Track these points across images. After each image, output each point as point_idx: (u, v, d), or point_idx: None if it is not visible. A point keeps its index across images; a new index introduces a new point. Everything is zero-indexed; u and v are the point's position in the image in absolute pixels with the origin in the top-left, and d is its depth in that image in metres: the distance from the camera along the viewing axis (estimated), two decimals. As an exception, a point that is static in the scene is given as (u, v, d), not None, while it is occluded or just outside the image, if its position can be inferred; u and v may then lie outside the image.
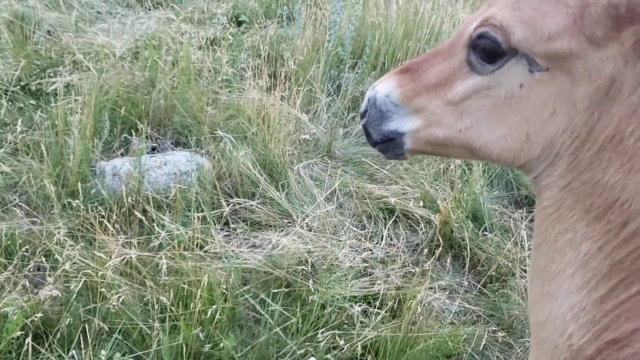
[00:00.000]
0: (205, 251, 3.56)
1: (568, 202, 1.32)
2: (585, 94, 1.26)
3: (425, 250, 3.95)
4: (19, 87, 5.00)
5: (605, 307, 1.25)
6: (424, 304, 3.43)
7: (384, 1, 6.97)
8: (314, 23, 6.54)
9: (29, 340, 2.70)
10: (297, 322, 3.18)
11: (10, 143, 4.26)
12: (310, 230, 3.95)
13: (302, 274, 3.54)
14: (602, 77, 1.24)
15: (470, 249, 4.00)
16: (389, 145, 1.63)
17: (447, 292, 3.74)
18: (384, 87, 1.60)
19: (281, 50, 6.07)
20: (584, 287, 1.29)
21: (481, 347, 3.22)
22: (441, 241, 3.91)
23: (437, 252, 3.73)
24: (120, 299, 2.93)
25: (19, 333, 2.74)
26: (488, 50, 1.35)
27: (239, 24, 7.29)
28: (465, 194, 4.36)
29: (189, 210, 3.87)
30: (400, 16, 6.55)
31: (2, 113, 4.46)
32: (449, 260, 3.85)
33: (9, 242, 3.29)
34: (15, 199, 3.75)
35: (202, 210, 3.89)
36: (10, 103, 4.72)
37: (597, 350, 1.26)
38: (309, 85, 5.52)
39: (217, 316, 3.05)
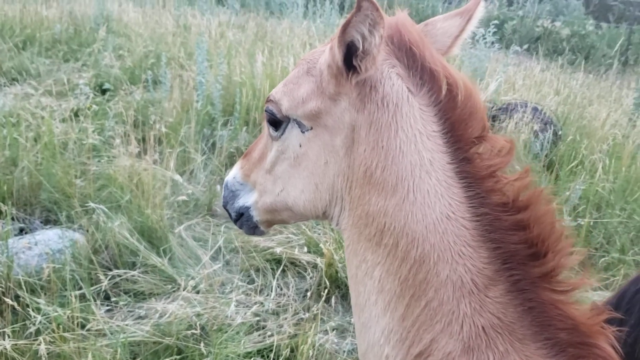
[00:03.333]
0: (88, 330, 3.41)
1: (355, 237, 1.53)
2: (341, 142, 1.54)
3: (314, 295, 4.04)
4: None
5: (407, 324, 1.42)
6: (317, 347, 3.49)
7: (248, 59, 7.20)
8: (181, 85, 6.60)
9: None
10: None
11: None
12: (198, 293, 3.90)
13: (193, 338, 3.48)
14: (346, 125, 1.52)
15: (356, 287, 4.12)
16: (243, 219, 1.90)
17: (339, 332, 3.83)
18: (233, 171, 1.94)
19: (149, 114, 6.04)
20: (387, 309, 1.45)
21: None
22: (327, 283, 4.02)
23: (324, 294, 3.83)
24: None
25: None
26: (272, 121, 1.67)
27: (103, 92, 7.18)
28: (345, 235, 4.52)
29: (66, 290, 3.69)
30: (265, 72, 6.79)
31: None
32: (335, 301, 3.96)
33: None
34: None
35: (80, 288, 3.73)
36: None
37: None
38: (182, 146, 5.52)
39: (107, 396, 2.91)
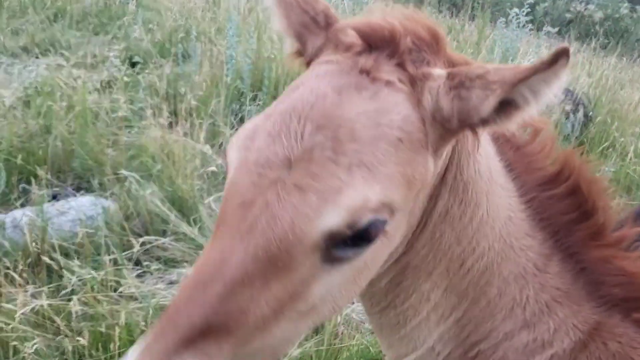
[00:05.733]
0: (120, 293, 3.49)
1: (409, 275, 1.39)
2: (420, 199, 1.27)
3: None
4: None
5: (463, 323, 1.43)
6: (344, 316, 3.53)
7: (277, 35, 7.19)
8: (210, 59, 6.63)
9: None
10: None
11: None
12: (226, 260, 3.96)
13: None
14: (436, 176, 1.28)
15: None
16: None
17: (364, 304, 3.87)
18: None
19: (179, 87, 6.09)
20: (440, 320, 1.43)
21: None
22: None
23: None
24: (34, 347, 2.81)
25: None
26: (372, 235, 1.14)
27: (133, 65, 7.24)
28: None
29: (99, 254, 3.78)
30: (293, 47, 6.78)
31: None
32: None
33: None
34: None
35: (112, 253, 3.81)
36: None
37: (463, 351, 1.45)
38: (211, 119, 5.57)
39: (139, 355, 2.99)
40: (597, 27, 14.35)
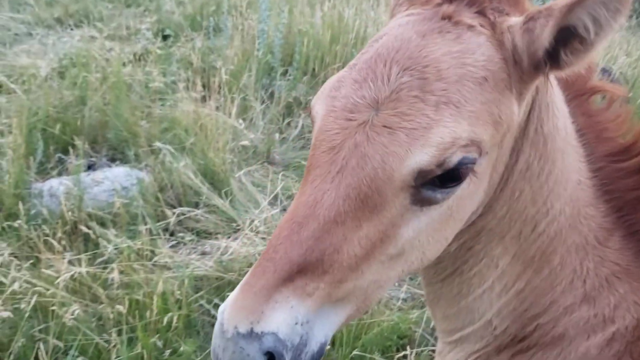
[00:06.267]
0: (154, 262, 3.56)
1: (482, 239, 1.38)
2: (504, 149, 1.26)
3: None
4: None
5: (524, 295, 1.42)
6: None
7: (309, 8, 7.14)
8: (242, 33, 6.61)
9: (-20, 365, 2.64)
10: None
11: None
12: (258, 234, 4.01)
13: (254, 276, 3.60)
14: (518, 126, 1.27)
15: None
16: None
17: (394, 281, 3.89)
18: (285, 319, 1.08)
19: (211, 61, 6.11)
20: (503, 290, 1.43)
21: (431, 327, 3.38)
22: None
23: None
24: (75, 313, 2.89)
25: (-31, 359, 2.66)
26: (461, 174, 1.15)
27: (165, 38, 7.26)
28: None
29: (134, 224, 3.85)
30: (325, 22, 6.73)
31: None
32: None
33: (-51, 268, 3.18)
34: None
35: (147, 223, 3.88)
36: None
37: (521, 326, 1.44)
38: (242, 94, 5.58)
39: (174, 323, 3.07)
40: (635, 4, 13.93)
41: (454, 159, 1.11)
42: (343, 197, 1.10)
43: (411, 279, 3.96)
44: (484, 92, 1.14)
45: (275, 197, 4.59)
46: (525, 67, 1.18)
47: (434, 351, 2.75)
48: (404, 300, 3.75)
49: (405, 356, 3.14)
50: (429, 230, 1.19)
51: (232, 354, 1.04)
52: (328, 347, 3.28)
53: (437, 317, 1.60)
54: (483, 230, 1.37)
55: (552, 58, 1.17)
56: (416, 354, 3.21)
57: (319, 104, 1.22)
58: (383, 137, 1.10)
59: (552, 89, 1.30)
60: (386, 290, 1.27)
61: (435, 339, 3.50)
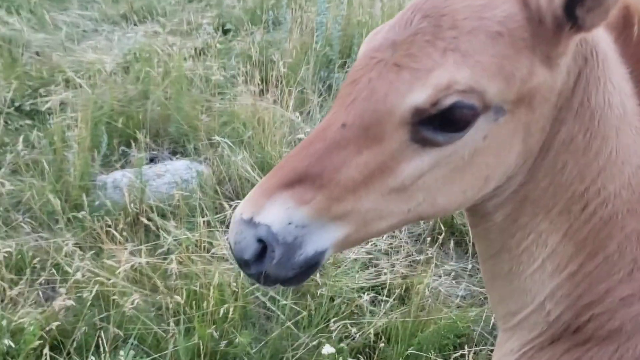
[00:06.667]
0: (212, 254, 3.61)
1: (527, 211, 1.35)
2: (539, 115, 1.25)
3: (428, 239, 4.01)
4: (12, 108, 5.04)
5: (577, 279, 1.35)
6: (431, 289, 3.49)
7: (367, 0, 7.07)
8: (300, 26, 6.61)
9: (46, 350, 2.74)
10: (308, 315, 3.23)
11: (9, 163, 4.30)
12: (314, 227, 4.00)
13: (309, 270, 3.59)
14: (555, 93, 1.25)
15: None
16: (308, 271, 1.30)
17: (452, 277, 3.80)
18: (278, 215, 1.21)
19: (269, 54, 6.14)
20: (555, 272, 1.37)
21: (490, 326, 3.28)
22: (443, 228, 3.98)
23: (440, 239, 3.79)
24: (135, 302, 2.97)
25: (36, 343, 2.78)
26: (458, 119, 1.18)
27: (225, 32, 7.35)
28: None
29: (193, 216, 3.92)
30: (385, 13, 6.64)
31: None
32: (451, 247, 3.91)
33: (18, 257, 3.33)
34: (20, 217, 3.78)
35: (206, 215, 3.94)
36: (5, 124, 4.75)
37: (575, 315, 1.37)
38: (299, 87, 5.58)
39: (230, 315, 3.10)
40: None
41: (448, 100, 1.16)
42: (350, 124, 1.21)
43: (470, 275, 3.86)
44: (496, 46, 1.18)
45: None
46: (549, 28, 1.18)
47: (492, 351, 2.67)
48: (463, 297, 3.66)
49: (462, 355, 3.07)
50: (436, 174, 1.24)
51: (235, 235, 1.24)
52: (347, 288, 3.24)
53: (495, 302, 1.57)
54: (527, 199, 1.35)
55: (572, 17, 1.17)
56: (474, 353, 3.12)
57: (362, 46, 1.34)
58: (391, 74, 1.20)
59: (606, 63, 1.27)
60: (391, 225, 1.30)
61: (494, 337, 3.40)
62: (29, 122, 4.86)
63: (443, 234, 3.89)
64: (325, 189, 1.21)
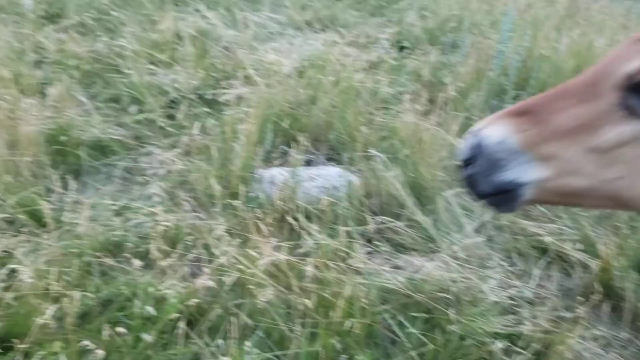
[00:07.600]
0: (348, 265, 3.62)
1: None
2: None
3: (579, 297, 3.67)
4: (196, 95, 5.50)
5: None
6: (574, 352, 3.18)
7: (555, 33, 6.69)
8: (478, 52, 6.44)
9: (182, 324, 2.93)
10: (435, 350, 3.10)
11: (184, 145, 4.69)
12: (456, 259, 3.85)
13: (444, 302, 3.45)
14: None
15: (632, 301, 3.64)
16: (502, 198, 1.44)
17: (600, 344, 3.43)
18: (496, 132, 1.41)
19: (441, 76, 6.05)
20: None
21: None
22: (598, 289, 3.61)
23: (593, 299, 3.45)
24: (268, 296, 3.07)
25: (174, 316, 2.97)
26: None
27: (401, 49, 7.39)
28: (631, 242, 4.00)
29: (335, 224, 3.96)
30: (571, 49, 6.24)
31: (181, 117, 4.95)
32: (605, 310, 3.54)
33: (176, 231, 3.61)
34: (184, 195, 4.10)
35: (348, 225, 3.96)
36: (188, 109, 5.18)
37: None
38: (467, 113, 5.43)
39: (355, 329, 3.08)
40: None
41: None
42: (578, 80, 1.41)
43: (623, 346, 3.46)
44: None
45: (482, 225, 4.37)
46: None
47: None
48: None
49: None
50: (633, 146, 1.29)
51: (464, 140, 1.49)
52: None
53: None
54: None
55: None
56: None
57: None
58: (628, 46, 1.35)
59: None
60: (589, 189, 1.37)
61: None
62: (207, 110, 5.26)
63: (598, 295, 3.52)
64: (540, 126, 1.38)
